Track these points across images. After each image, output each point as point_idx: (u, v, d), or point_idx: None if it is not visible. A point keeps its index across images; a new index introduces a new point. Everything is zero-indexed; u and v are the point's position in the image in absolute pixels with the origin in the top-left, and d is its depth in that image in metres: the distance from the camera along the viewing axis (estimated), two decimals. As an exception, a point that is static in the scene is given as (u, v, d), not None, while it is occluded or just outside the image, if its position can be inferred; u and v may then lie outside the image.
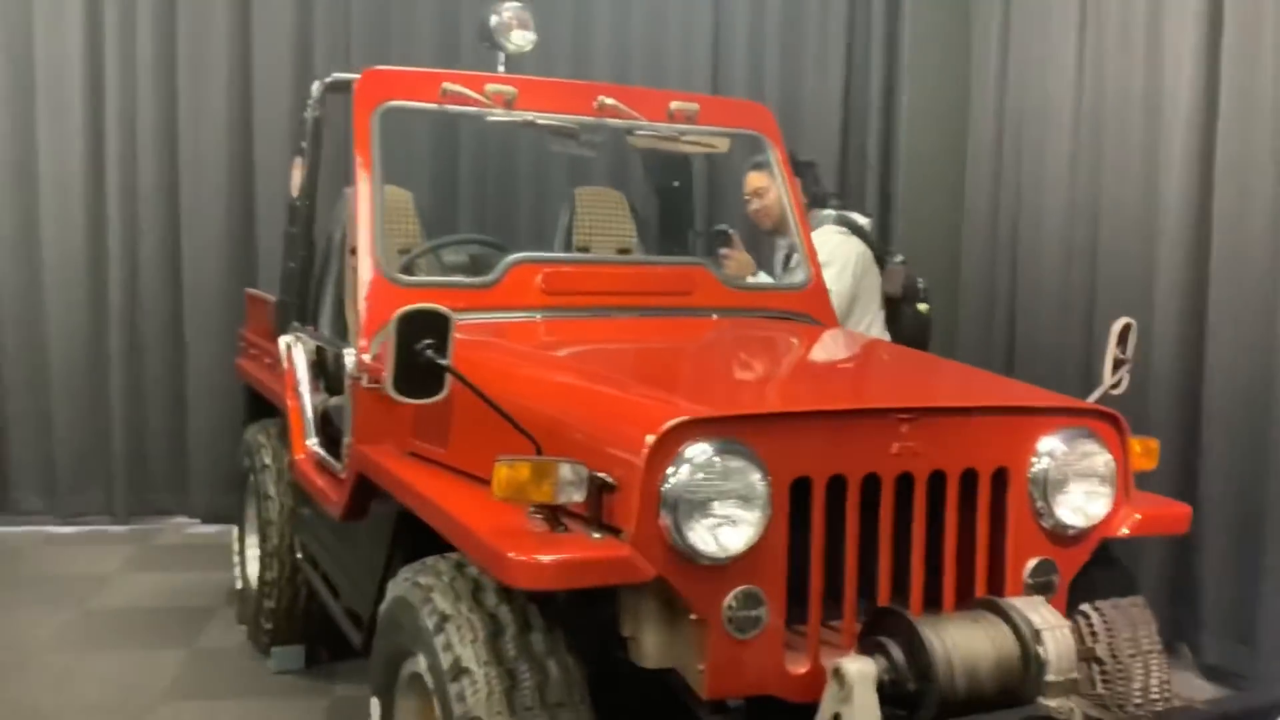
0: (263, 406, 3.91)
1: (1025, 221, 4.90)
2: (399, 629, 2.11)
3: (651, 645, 1.94)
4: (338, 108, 3.58)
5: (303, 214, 3.44)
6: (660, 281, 3.09)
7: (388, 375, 1.95)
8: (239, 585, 3.98)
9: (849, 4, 5.72)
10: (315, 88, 3.41)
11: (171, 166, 5.29)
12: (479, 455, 2.20)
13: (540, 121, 3.10)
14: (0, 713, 3.28)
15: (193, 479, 5.44)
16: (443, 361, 1.94)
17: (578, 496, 1.85)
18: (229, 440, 5.33)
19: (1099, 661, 2.23)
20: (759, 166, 3.75)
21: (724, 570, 1.85)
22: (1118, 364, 2.51)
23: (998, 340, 5.06)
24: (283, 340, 3.37)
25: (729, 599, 1.85)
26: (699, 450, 1.82)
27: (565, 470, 1.83)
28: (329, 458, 3.02)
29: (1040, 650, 1.87)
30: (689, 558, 1.82)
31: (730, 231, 3.70)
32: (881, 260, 3.78)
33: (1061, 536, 2.15)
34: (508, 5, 3.36)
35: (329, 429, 3.26)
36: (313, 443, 3.19)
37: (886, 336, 3.85)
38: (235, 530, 4.05)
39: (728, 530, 1.83)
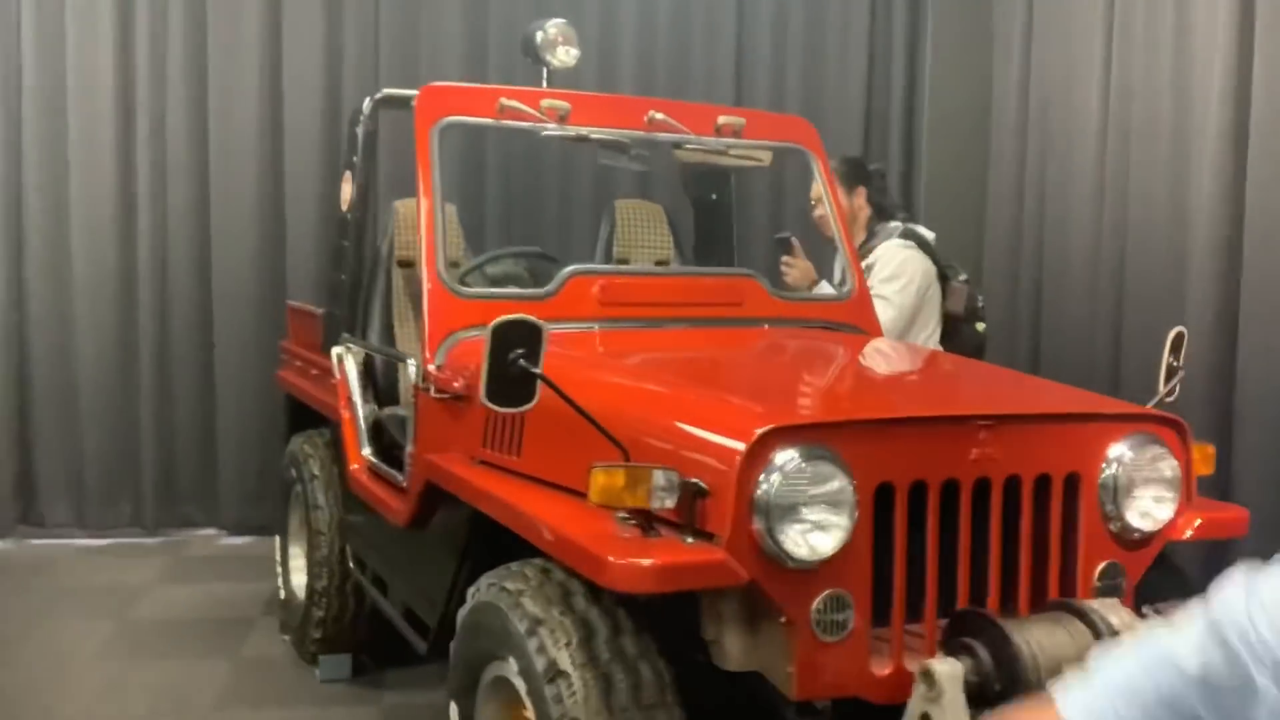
0: (305, 418, 3.95)
1: (1050, 227, 4.94)
2: (483, 634, 2.15)
3: (735, 648, 1.99)
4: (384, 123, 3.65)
5: (354, 227, 3.49)
6: (712, 292, 3.14)
7: (481, 385, 1.99)
8: (282, 595, 4.01)
9: (870, 10, 5.79)
10: (366, 103, 3.46)
11: (202, 180, 5.33)
12: (559, 463, 2.25)
13: (594, 136, 3.15)
14: (55, 723, 3.31)
15: (221, 491, 5.46)
16: (535, 371, 1.99)
17: (670, 502, 1.89)
18: (257, 452, 5.39)
19: (1163, 662, 2.28)
20: None
21: (813, 574, 1.89)
22: (1171, 372, 2.56)
23: (1022, 347, 5.10)
24: (334, 352, 3.41)
25: (817, 602, 1.90)
26: (789, 457, 1.87)
27: (659, 476, 1.88)
28: (388, 467, 3.06)
29: (1120, 651, 1.92)
30: (780, 562, 1.87)
31: (792, 239, 3.75)
32: (945, 277, 3.81)
33: (1129, 540, 2.20)
34: (552, 21, 3.42)
35: (382, 438, 3.30)
36: (368, 452, 3.23)
37: None
38: (277, 540, 4.08)
39: (818, 535, 1.88)
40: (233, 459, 5.43)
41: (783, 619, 1.90)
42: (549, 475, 2.28)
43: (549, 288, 2.95)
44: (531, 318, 1.99)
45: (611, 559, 1.81)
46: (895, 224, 3.71)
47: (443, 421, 2.71)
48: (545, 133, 3.11)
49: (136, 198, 5.30)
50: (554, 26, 3.39)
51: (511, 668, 2.02)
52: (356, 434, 3.29)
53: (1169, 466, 2.20)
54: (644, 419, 2.10)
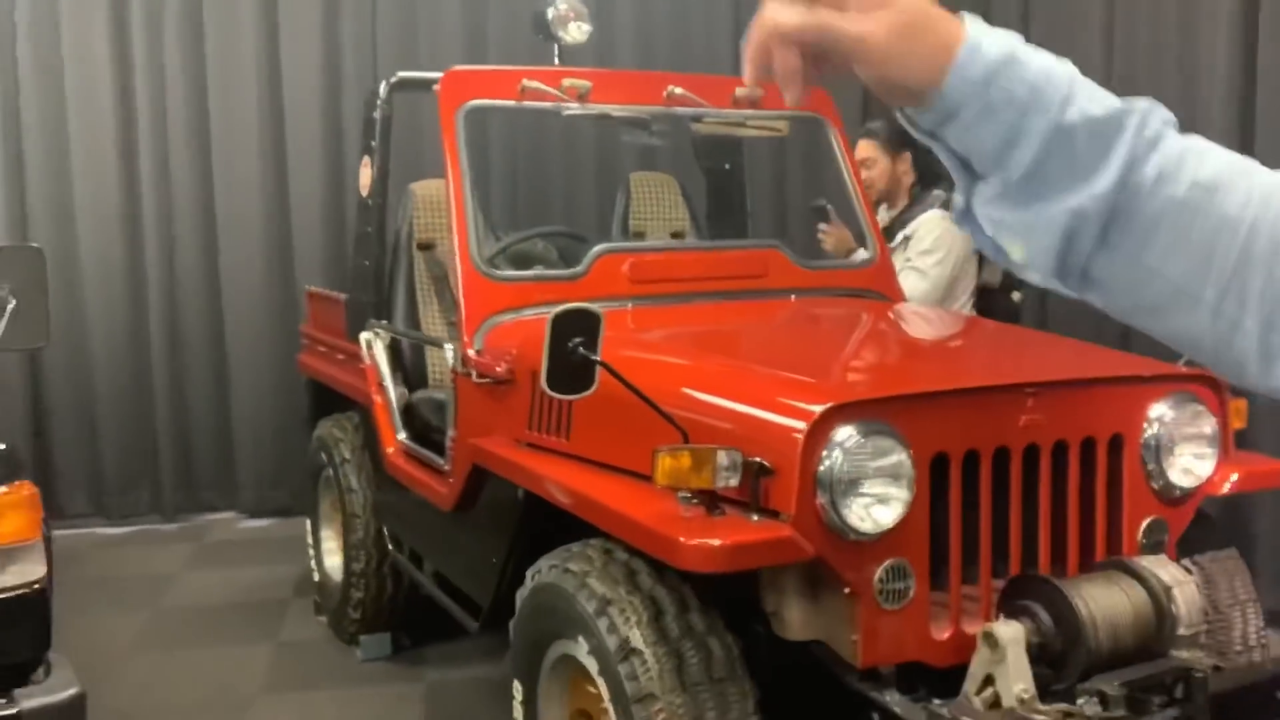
0: (329, 402, 3.98)
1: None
2: (547, 614, 2.20)
3: (797, 618, 2.05)
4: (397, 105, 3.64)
5: (375, 212, 3.50)
6: (738, 264, 3.17)
7: (542, 373, 2.02)
8: (316, 577, 4.05)
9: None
10: (382, 87, 3.46)
11: (205, 168, 5.31)
12: (612, 444, 2.29)
13: (615, 114, 3.16)
14: (107, 714, 3.34)
15: (239, 475, 5.50)
16: (595, 358, 2.02)
17: (734, 481, 1.94)
18: (273, 435, 5.42)
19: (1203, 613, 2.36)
20: (867, 135, 3.77)
21: (874, 545, 1.95)
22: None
23: (1056, 313, 5.12)
24: (363, 337, 3.44)
25: (879, 572, 1.96)
26: (849, 433, 1.91)
27: (723, 457, 1.92)
28: (426, 451, 3.09)
29: (1173, 606, 1.99)
30: (843, 535, 1.92)
31: (828, 206, 3.76)
32: None
33: (1171, 497, 2.26)
34: (563, -3, 3.41)
35: (413, 422, 3.34)
36: (403, 436, 3.26)
37: None
38: (308, 523, 4.11)
39: (880, 507, 1.93)
40: (249, 442, 5.46)
41: (846, 590, 1.96)
42: (601, 457, 2.32)
43: (580, 268, 2.97)
44: (590, 306, 2.03)
45: (683, 540, 1.86)
46: (939, 193, 3.70)
47: (484, 405, 2.74)
48: (567, 112, 3.12)
49: (140, 187, 5.28)
50: (565, 2, 3.38)
51: (580, 647, 2.08)
52: (390, 418, 3.32)
53: (1208, 424, 2.26)
54: (700, 399, 2.14)
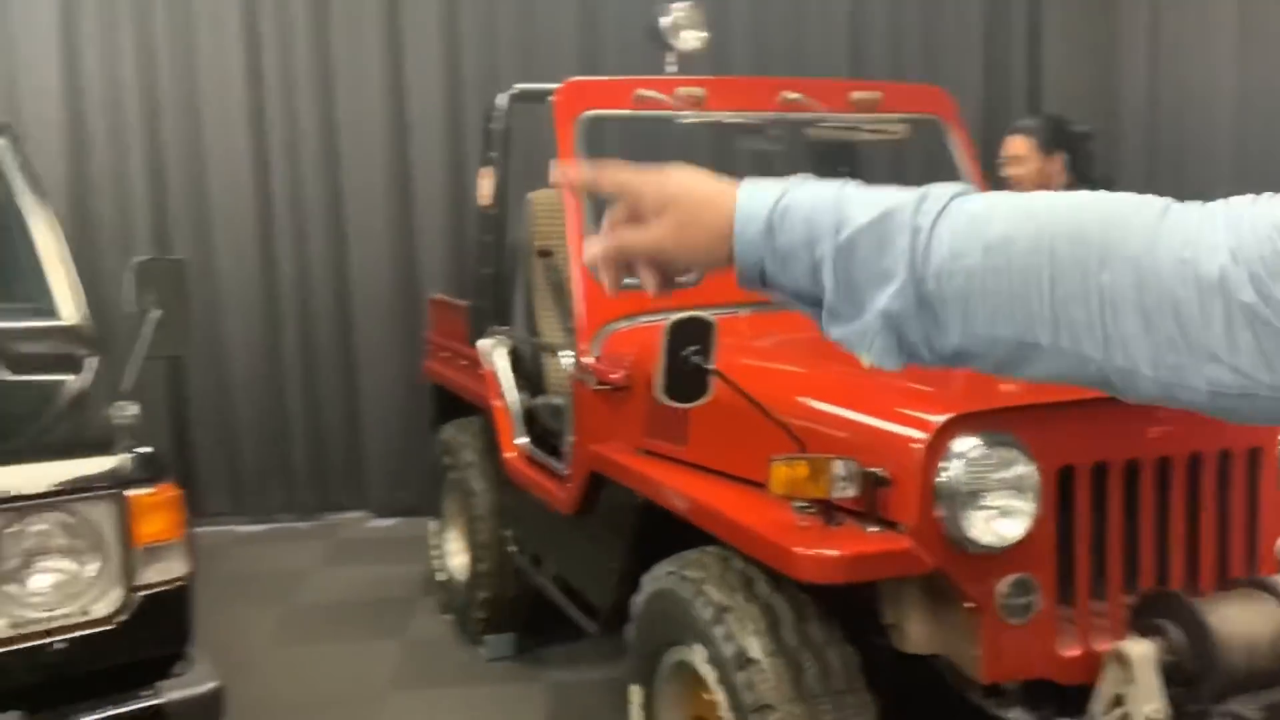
0: (453, 406, 4.08)
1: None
2: (664, 620, 2.22)
3: (917, 632, 2.02)
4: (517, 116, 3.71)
5: (495, 222, 3.58)
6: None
7: (657, 381, 2.05)
8: (441, 577, 4.16)
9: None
10: (501, 99, 3.53)
11: (334, 181, 5.50)
12: (728, 453, 2.30)
13: (728, 121, 3.17)
14: (245, 707, 3.50)
15: (367, 475, 5.69)
16: (709, 367, 2.04)
17: (851, 491, 1.93)
18: (400, 436, 5.60)
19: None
20: (1020, 131, 3.58)
21: (998, 558, 1.91)
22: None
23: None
24: (483, 344, 3.52)
25: (1002, 586, 1.92)
26: (971, 444, 1.88)
27: (839, 467, 1.91)
28: (546, 456, 3.15)
29: (1316, 627, 1.90)
30: (964, 548, 1.89)
31: None
32: None
33: (1314, 512, 2.16)
34: (677, 5, 3.43)
35: (533, 427, 3.40)
36: (523, 441, 3.33)
37: None
38: (433, 525, 4.23)
39: (1003, 520, 1.89)
40: (377, 443, 5.64)
41: (967, 604, 1.93)
42: (717, 465, 2.33)
43: (694, 274, 2.98)
44: (704, 315, 2.04)
45: (799, 550, 1.86)
46: None
47: (602, 412, 2.78)
48: (682, 120, 3.14)
49: (273, 197, 5.50)
50: (679, 10, 3.40)
51: (698, 655, 2.09)
52: (510, 422, 3.40)
53: (1354, 436, 2.15)
54: (817, 408, 2.14)
